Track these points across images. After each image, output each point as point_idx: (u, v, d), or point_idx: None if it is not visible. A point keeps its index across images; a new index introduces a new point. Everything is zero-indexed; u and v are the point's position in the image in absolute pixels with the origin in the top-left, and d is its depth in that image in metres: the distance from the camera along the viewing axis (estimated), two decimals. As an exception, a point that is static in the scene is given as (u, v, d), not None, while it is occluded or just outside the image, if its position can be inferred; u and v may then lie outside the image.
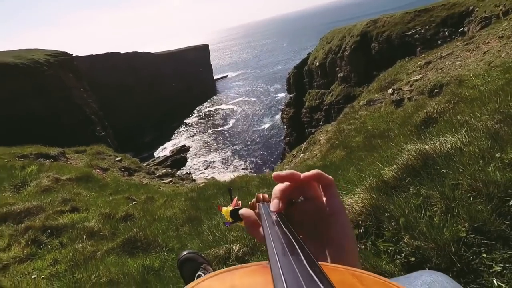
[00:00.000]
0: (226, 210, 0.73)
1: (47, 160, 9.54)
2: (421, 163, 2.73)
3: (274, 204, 0.51)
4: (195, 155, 46.55)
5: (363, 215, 2.38)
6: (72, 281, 3.09)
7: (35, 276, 3.46)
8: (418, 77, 8.16)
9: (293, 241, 0.40)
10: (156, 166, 19.70)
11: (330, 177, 0.52)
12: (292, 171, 0.52)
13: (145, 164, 17.80)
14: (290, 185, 0.52)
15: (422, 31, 24.23)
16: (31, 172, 7.62)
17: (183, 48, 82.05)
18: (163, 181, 11.82)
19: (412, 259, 1.99)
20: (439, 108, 4.36)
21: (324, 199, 0.51)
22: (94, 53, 59.95)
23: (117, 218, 5.07)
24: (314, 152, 10.13)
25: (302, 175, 0.51)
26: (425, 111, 4.46)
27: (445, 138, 3.09)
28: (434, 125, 4.08)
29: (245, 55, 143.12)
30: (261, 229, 0.51)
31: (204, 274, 2.00)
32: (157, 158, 41.15)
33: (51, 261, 3.84)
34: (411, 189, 2.54)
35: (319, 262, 0.36)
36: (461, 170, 2.42)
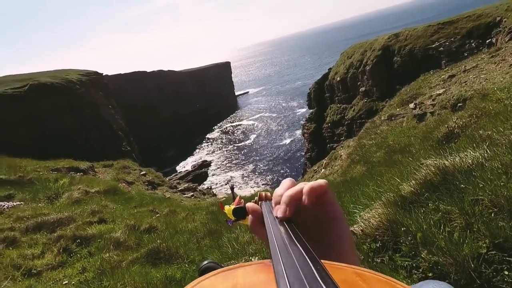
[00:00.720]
0: (228, 208, 0.73)
1: (78, 174, 10.06)
2: (440, 178, 2.71)
3: (281, 209, 0.50)
4: (216, 170, 47.04)
5: (381, 229, 2.40)
6: (100, 288, 3.25)
7: (66, 282, 3.66)
8: (441, 91, 8.01)
9: (295, 239, 0.40)
10: (178, 181, 20.12)
11: (323, 182, 0.51)
12: (289, 201, 0.50)
13: (167, 179, 18.24)
14: (299, 191, 0.51)
15: (447, 43, 23.72)
16: (63, 184, 8.07)
17: (205, 66, 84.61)
18: (185, 195, 12.07)
19: (430, 274, 1.99)
20: (461, 122, 4.29)
21: (322, 204, 0.52)
22: (122, 72, 63.08)
23: (141, 230, 5.27)
24: (335, 167, 10.05)
25: (302, 202, 0.51)
26: (446, 126, 4.39)
27: (466, 153, 3.05)
28: (456, 140, 4.01)
29: (267, 71, 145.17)
30: (264, 227, 0.50)
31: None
32: (179, 172, 41.96)
33: (80, 269, 4.04)
34: (429, 205, 2.52)
35: (322, 261, 0.35)
36: (482, 185, 2.39)
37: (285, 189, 0.53)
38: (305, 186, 0.51)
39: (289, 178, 0.58)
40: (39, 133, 28.04)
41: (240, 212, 0.65)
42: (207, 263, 2.31)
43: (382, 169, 4.69)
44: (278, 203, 0.52)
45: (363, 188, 3.78)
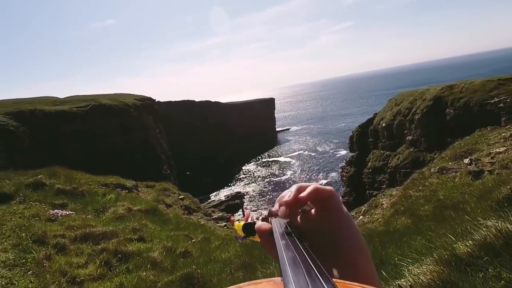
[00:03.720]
0: (238, 224, 0.71)
1: (123, 191, 10.64)
2: (502, 242, 2.51)
3: (281, 211, 0.50)
4: (249, 202, 46.79)
5: (432, 288, 2.24)
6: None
7: (105, 294, 3.80)
8: (501, 149, 7.49)
9: (307, 256, 0.39)
10: (212, 209, 20.31)
11: (328, 188, 0.50)
12: (295, 191, 0.51)
13: (202, 205, 18.51)
14: (294, 198, 0.50)
15: (508, 100, 22.41)
16: (110, 199, 8.57)
17: (250, 100, 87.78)
18: (218, 224, 12.11)
19: None
20: (526, 185, 3.96)
21: (328, 210, 0.50)
22: (172, 100, 67.53)
23: (177, 253, 5.37)
24: (376, 216, 9.56)
25: (299, 197, 0.49)
26: (509, 187, 4.08)
27: (532, 219, 2.81)
28: (519, 203, 3.70)
29: (310, 111, 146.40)
30: (274, 244, 0.49)
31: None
32: (212, 201, 42.36)
33: (118, 284, 4.19)
34: (490, 270, 2.33)
35: (334, 279, 0.35)
36: (553, 256, 2.18)
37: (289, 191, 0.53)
38: (307, 189, 0.50)
39: (296, 184, 0.55)
40: (92, 149, 30.45)
41: (250, 228, 0.63)
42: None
43: (431, 224, 4.41)
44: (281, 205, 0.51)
45: (410, 241, 3.58)
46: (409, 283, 2.38)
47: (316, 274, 0.34)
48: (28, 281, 3.88)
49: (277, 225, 0.51)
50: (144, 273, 4.42)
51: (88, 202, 8.11)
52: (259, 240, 0.56)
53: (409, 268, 2.59)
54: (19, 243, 4.81)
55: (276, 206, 0.54)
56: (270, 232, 0.52)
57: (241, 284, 0.39)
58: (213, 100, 75.24)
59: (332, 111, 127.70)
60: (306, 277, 0.34)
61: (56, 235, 5.40)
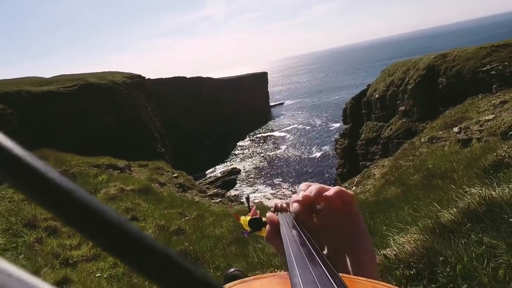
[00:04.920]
0: (244, 219, 0.70)
1: (115, 171, 10.60)
2: (485, 209, 2.54)
3: (294, 207, 0.51)
4: (245, 178, 47.28)
5: (416, 256, 2.28)
6: (129, 284, 3.37)
7: (99, 275, 3.84)
8: (490, 117, 7.50)
9: (313, 251, 0.39)
10: (207, 186, 20.48)
11: (351, 192, 0.51)
12: (317, 188, 0.51)
13: (197, 183, 18.64)
14: (313, 197, 0.51)
15: (500, 67, 22.24)
16: (102, 180, 8.54)
17: (242, 75, 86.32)
18: (213, 201, 12.25)
19: (469, 311, 1.86)
20: (512, 152, 3.99)
21: (347, 215, 0.51)
22: (163, 77, 66.10)
23: (170, 231, 5.42)
24: (368, 186, 9.71)
25: (324, 194, 0.50)
26: (495, 154, 4.11)
27: (516, 185, 2.84)
28: (505, 170, 3.73)
29: (304, 84, 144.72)
30: (280, 238, 0.49)
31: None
32: (208, 177, 42.70)
33: (111, 264, 4.24)
34: (472, 236, 2.37)
35: (340, 274, 0.35)
36: (534, 221, 2.21)
37: (301, 190, 0.54)
38: (331, 188, 0.50)
39: (306, 183, 0.57)
40: (83, 130, 30.05)
41: (256, 223, 0.64)
42: (233, 271, 2.33)
43: (419, 193, 4.47)
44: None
45: (398, 211, 3.63)
46: (394, 252, 2.42)
47: (323, 269, 0.34)
48: (20, 264, 3.90)
49: (284, 220, 0.52)
50: (137, 251, 4.47)
51: (79, 184, 8.05)
52: (264, 235, 0.57)
53: (395, 237, 2.63)
54: (9, 228, 4.80)
55: (291, 199, 0.55)
56: (277, 227, 0.53)
57: (247, 278, 0.39)
58: (204, 76, 73.87)
59: (326, 84, 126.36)
60: (312, 271, 0.34)
61: (46, 218, 5.39)
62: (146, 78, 45.00)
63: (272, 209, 0.61)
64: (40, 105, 28.71)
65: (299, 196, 0.53)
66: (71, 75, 39.07)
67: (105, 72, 42.06)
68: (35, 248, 4.38)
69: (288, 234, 0.46)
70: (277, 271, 2.96)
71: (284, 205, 0.61)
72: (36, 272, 3.71)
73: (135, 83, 38.53)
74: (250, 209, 0.77)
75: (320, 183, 0.54)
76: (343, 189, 0.50)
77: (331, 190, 0.49)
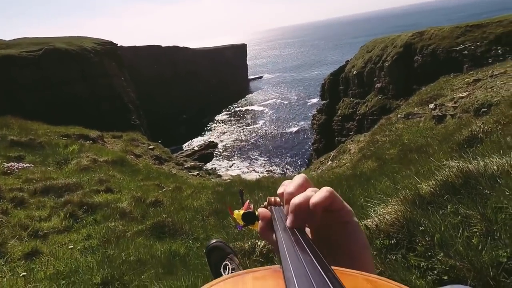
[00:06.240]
0: (238, 213, 0.70)
1: (87, 142, 10.12)
2: (462, 181, 2.62)
3: (289, 220, 0.48)
4: (222, 152, 47.24)
5: (395, 226, 2.33)
6: (105, 256, 3.26)
7: (71, 247, 3.70)
8: (464, 94, 7.75)
9: (306, 245, 0.39)
10: (184, 158, 20.25)
11: (329, 191, 0.48)
12: (305, 198, 0.48)
13: (174, 155, 18.35)
14: (307, 200, 0.48)
15: (472, 47, 22.90)
16: (73, 151, 8.13)
17: (221, 46, 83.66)
18: (191, 173, 12.13)
19: (445, 277, 1.93)
20: (486, 128, 4.13)
21: (330, 212, 0.49)
22: (137, 45, 62.75)
23: (147, 203, 5.29)
24: (343, 161, 9.95)
25: (311, 203, 0.46)
26: (470, 129, 4.24)
27: (491, 159, 2.94)
28: (478, 145, 3.87)
29: (284, 58, 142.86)
30: (273, 233, 0.49)
31: (230, 264, 2.05)
32: (185, 150, 42.25)
33: (85, 235, 4.09)
34: (449, 207, 2.44)
35: (332, 267, 0.35)
36: (508, 193, 2.29)
37: (295, 187, 0.51)
38: (311, 199, 0.46)
39: (301, 175, 0.55)
40: (51, 98, 28.31)
41: (250, 217, 0.63)
42: (214, 242, 2.28)
43: (396, 167, 4.59)
44: (288, 201, 0.50)
45: (376, 183, 3.70)
46: (375, 223, 2.46)
47: (315, 262, 0.34)
48: (-16, 237, 3.67)
49: (277, 214, 0.52)
50: (113, 224, 4.34)
51: (48, 154, 7.64)
52: (258, 229, 0.56)
53: (375, 208, 2.67)
54: (-29, 199, 4.48)
55: (280, 192, 0.54)
56: (269, 221, 0.53)
57: (240, 272, 0.39)
58: (181, 45, 70.89)
59: (307, 59, 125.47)
60: (305, 265, 0.34)
61: (12, 189, 5.08)
62: (119, 45, 42.55)
63: (265, 203, 0.61)
64: (0, 70, 26.49)
65: (290, 206, 0.49)
66: (35, 39, 36.02)
67: (73, 37, 39.20)
68: (1, 220, 4.13)
69: (281, 228, 0.46)
70: (257, 242, 2.95)
71: (278, 199, 0.60)
72: (2, 244, 3.50)
73: (106, 50, 36.35)
74: (243, 203, 0.76)
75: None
76: (321, 198, 0.46)
77: (316, 212, 0.46)
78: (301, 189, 0.50)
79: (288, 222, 0.47)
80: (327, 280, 0.31)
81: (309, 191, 0.49)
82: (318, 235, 0.50)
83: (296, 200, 0.48)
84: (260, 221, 0.55)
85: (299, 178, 0.53)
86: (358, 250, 0.48)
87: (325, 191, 0.47)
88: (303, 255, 0.36)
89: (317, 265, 0.34)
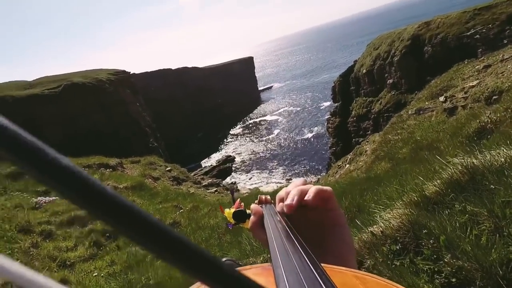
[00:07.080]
0: (228, 212, 0.71)
1: (107, 170, 10.51)
2: (468, 178, 2.57)
3: (289, 198, 0.51)
4: (241, 165, 47.40)
5: (401, 231, 2.32)
6: (126, 281, 3.39)
7: (96, 274, 3.86)
8: (474, 83, 7.53)
9: (296, 243, 0.40)
10: (202, 176, 20.52)
11: (329, 188, 0.52)
12: (298, 194, 0.51)
13: (192, 174, 18.65)
14: (307, 189, 0.52)
15: (484, 30, 22.15)
16: (94, 180, 8.46)
17: (228, 61, 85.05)
18: (209, 191, 12.29)
19: (453, 279, 1.90)
20: (496, 117, 4.01)
21: (326, 210, 0.52)
22: (148, 70, 64.87)
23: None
24: (360, 163, 9.82)
25: (304, 200, 0.51)
26: (478, 121, 4.14)
27: (498, 151, 2.87)
28: (488, 136, 3.78)
29: (291, 65, 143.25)
30: (264, 230, 0.51)
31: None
32: (203, 168, 42.73)
33: (109, 262, 4.26)
34: (455, 206, 2.41)
35: (322, 264, 0.35)
36: (515, 186, 2.24)
37: (295, 187, 0.54)
38: (312, 187, 0.52)
39: (300, 178, 0.58)
40: (72, 131, 29.61)
41: (240, 216, 0.65)
42: (225, 261, 2.34)
43: (407, 167, 4.53)
44: (286, 195, 0.52)
45: (386, 186, 3.67)
46: (381, 229, 2.45)
47: (305, 260, 0.35)
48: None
49: (268, 213, 0.54)
50: (134, 249, 4.49)
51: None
52: (248, 227, 0.58)
53: (381, 214, 2.66)
54: (3, 235, 4.76)
55: (278, 196, 0.57)
56: (261, 219, 0.55)
57: None
58: (190, 66, 72.67)
59: (315, 63, 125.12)
60: (295, 262, 0.34)
61: (41, 222, 5.36)
62: (131, 73, 44.09)
63: (256, 201, 0.62)
64: (25, 109, 28.09)
65: (284, 201, 0.53)
66: (54, 76, 38.04)
67: (89, 71, 41.07)
68: (31, 253, 4.37)
69: (272, 226, 0.47)
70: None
71: (268, 197, 0.63)
72: (32, 279, 3.71)
73: (120, 79, 37.75)
74: (234, 201, 0.77)
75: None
76: (321, 187, 0.51)
77: (310, 193, 0.50)
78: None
79: (288, 201, 0.50)
80: (317, 277, 0.31)
81: (309, 185, 0.53)
82: (310, 235, 0.51)
83: (298, 181, 0.54)
84: (252, 216, 0.57)
85: (298, 180, 0.57)
86: (345, 253, 0.50)
87: (326, 187, 0.52)
88: (293, 252, 0.37)
89: (307, 261, 0.34)
